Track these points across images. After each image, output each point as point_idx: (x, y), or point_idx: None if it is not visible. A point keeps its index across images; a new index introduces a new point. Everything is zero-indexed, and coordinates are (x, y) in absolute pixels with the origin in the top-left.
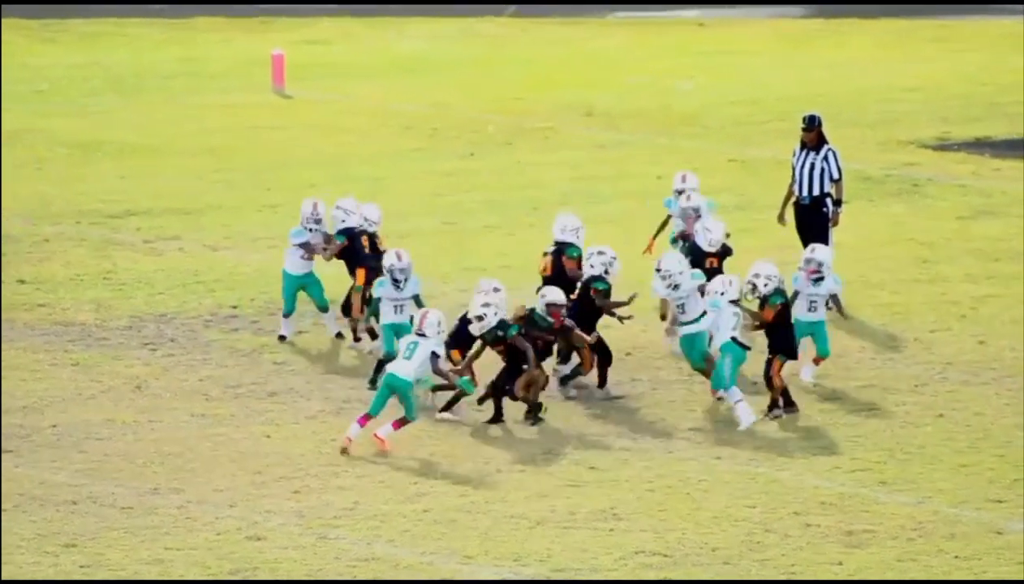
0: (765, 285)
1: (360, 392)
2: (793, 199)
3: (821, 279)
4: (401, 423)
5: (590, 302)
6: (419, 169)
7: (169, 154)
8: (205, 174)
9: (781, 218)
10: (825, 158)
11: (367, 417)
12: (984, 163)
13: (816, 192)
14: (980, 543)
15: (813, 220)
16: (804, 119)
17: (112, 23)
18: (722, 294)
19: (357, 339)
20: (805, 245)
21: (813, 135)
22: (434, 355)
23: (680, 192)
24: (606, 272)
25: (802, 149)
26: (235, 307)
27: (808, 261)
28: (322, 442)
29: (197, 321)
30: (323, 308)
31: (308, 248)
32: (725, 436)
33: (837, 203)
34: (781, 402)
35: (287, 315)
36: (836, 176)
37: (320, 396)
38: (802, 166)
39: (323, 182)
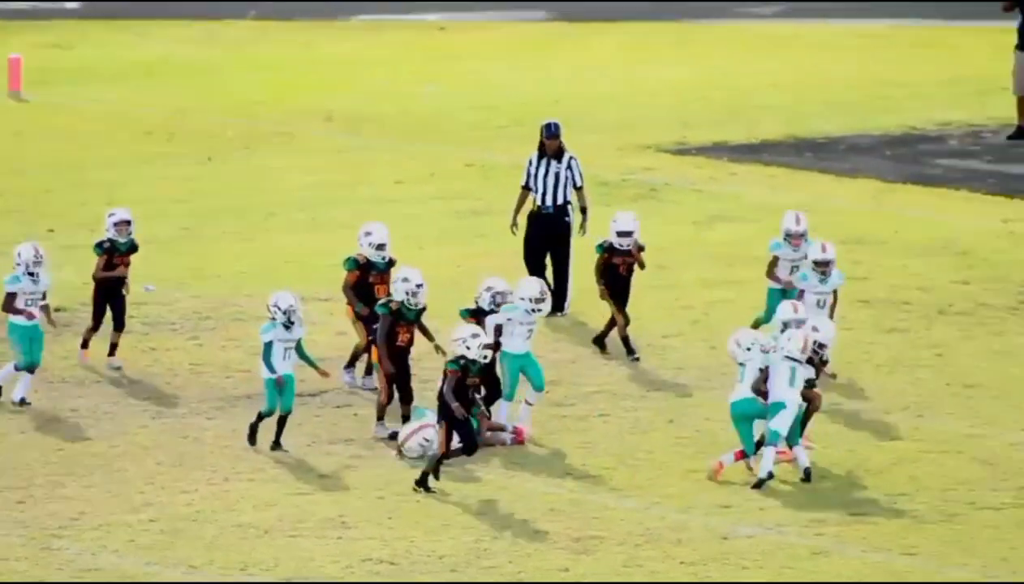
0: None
1: (86, 400)
2: (531, 208)
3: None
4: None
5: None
6: (157, 174)
7: None
8: None
9: (514, 226)
10: (568, 166)
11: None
12: (721, 167)
13: (560, 201)
14: (706, 548)
15: (556, 230)
16: (548, 126)
17: None
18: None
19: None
20: (536, 254)
21: (555, 143)
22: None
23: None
24: (412, 296)
25: (541, 157)
26: None
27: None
28: (49, 451)
29: None
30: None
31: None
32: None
33: (583, 211)
34: None
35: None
36: (579, 183)
37: (49, 404)
38: (544, 175)
39: (59, 187)
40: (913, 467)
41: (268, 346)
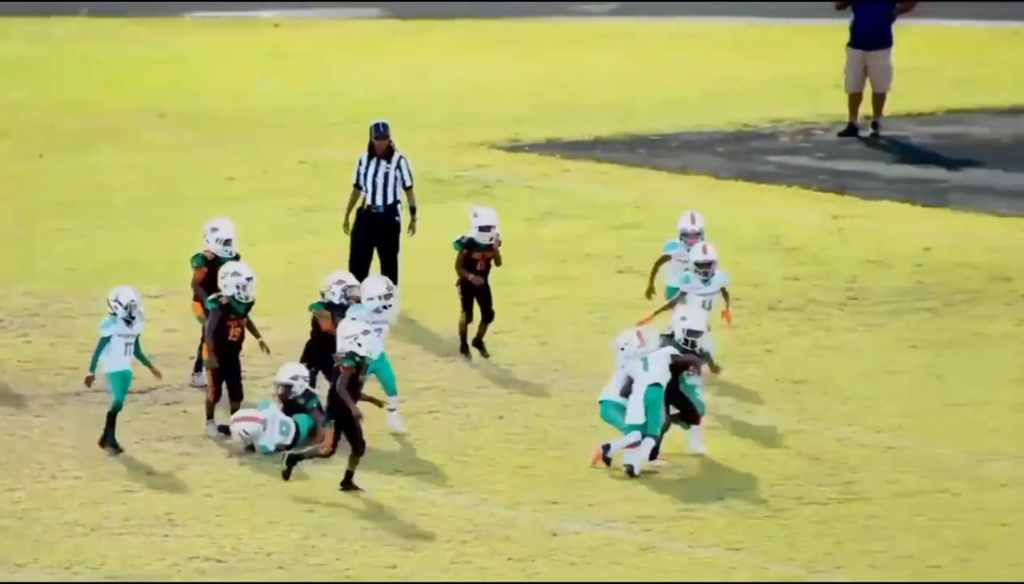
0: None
1: None
2: (361, 206)
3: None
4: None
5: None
6: None
7: None
8: None
9: (347, 225)
10: (398, 166)
11: None
12: (554, 164)
13: (391, 200)
14: (535, 545)
15: (387, 229)
16: (377, 127)
17: None
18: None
19: None
20: (362, 253)
21: (384, 143)
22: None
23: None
24: (242, 290)
25: (371, 157)
26: None
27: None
28: None
29: None
30: None
31: None
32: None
33: (412, 210)
34: None
35: None
36: (409, 183)
37: None
38: (374, 174)
39: None
40: (740, 462)
41: (105, 341)
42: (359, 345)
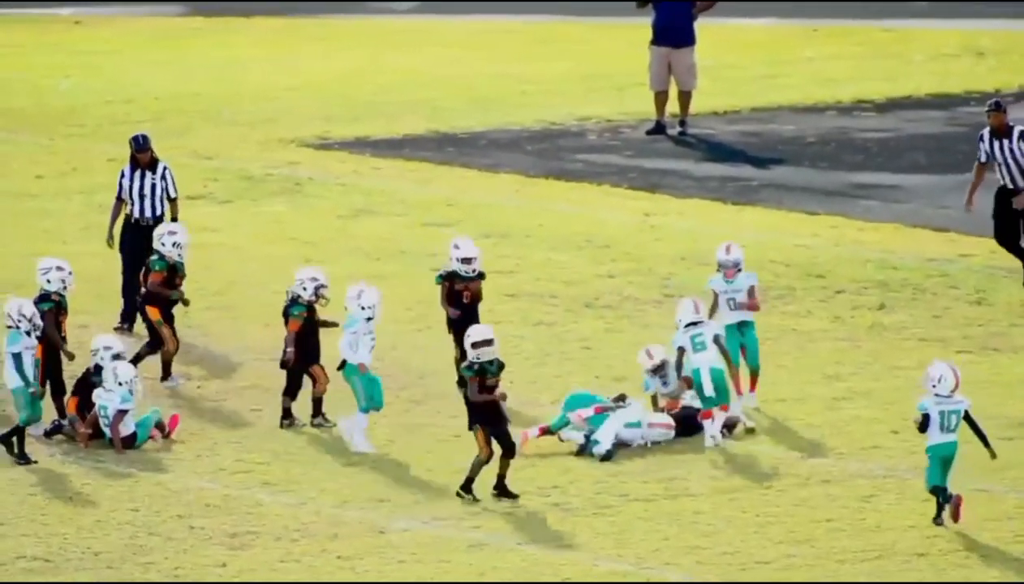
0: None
1: None
2: (128, 218)
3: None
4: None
5: None
6: None
7: None
8: None
9: (110, 239)
10: (162, 177)
11: None
12: (364, 162)
13: (159, 211)
14: (363, 542)
15: (146, 243)
16: (137, 139)
17: None
18: None
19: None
20: (136, 267)
21: (146, 155)
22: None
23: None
24: (64, 287)
25: (134, 169)
26: None
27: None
28: None
29: None
30: None
31: None
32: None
33: (174, 221)
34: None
35: None
36: (173, 194)
37: None
38: (140, 186)
39: None
40: (564, 461)
41: (18, 357)
42: (476, 356)
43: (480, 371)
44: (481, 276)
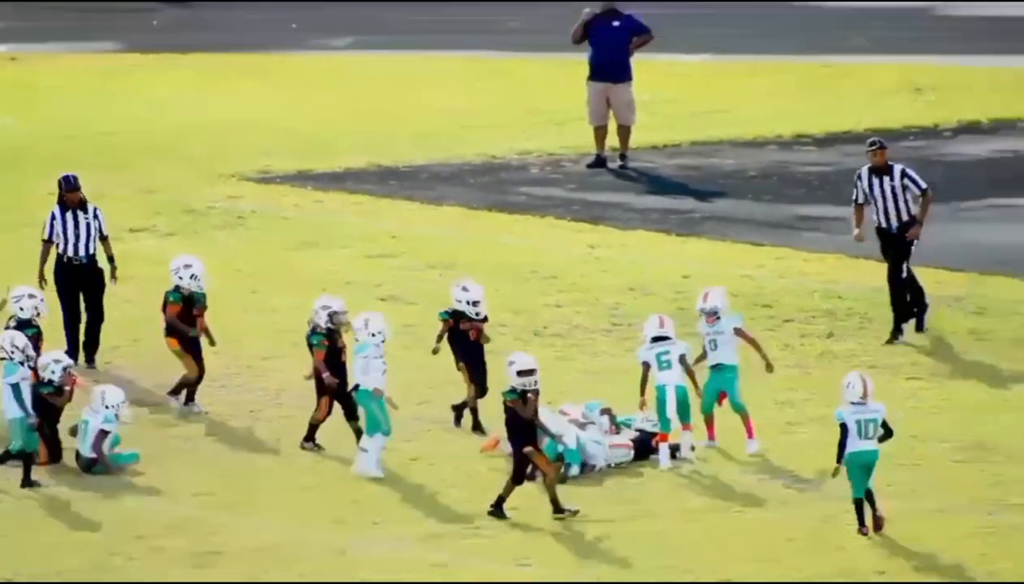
0: None
1: None
2: (60, 259)
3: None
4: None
5: None
6: None
7: None
8: None
9: (42, 280)
10: (95, 215)
11: None
12: (306, 195)
13: (92, 251)
14: (324, 562)
15: (91, 278)
16: (68, 180)
17: None
18: None
19: None
20: (74, 304)
21: (77, 195)
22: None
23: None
24: (38, 315)
25: (64, 210)
26: None
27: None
28: None
29: None
30: None
31: None
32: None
33: (110, 259)
34: None
35: None
36: (105, 233)
37: None
38: (74, 226)
39: None
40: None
41: (16, 388)
42: (522, 384)
43: (522, 395)
44: (485, 319)
